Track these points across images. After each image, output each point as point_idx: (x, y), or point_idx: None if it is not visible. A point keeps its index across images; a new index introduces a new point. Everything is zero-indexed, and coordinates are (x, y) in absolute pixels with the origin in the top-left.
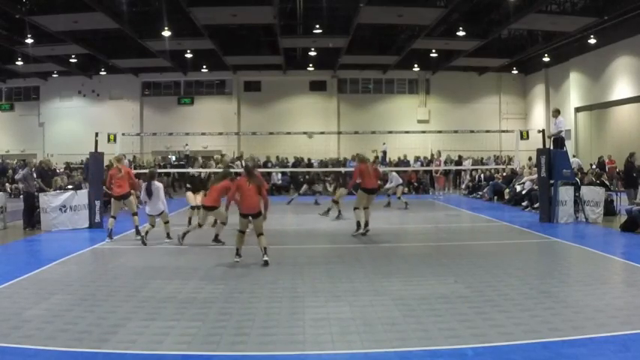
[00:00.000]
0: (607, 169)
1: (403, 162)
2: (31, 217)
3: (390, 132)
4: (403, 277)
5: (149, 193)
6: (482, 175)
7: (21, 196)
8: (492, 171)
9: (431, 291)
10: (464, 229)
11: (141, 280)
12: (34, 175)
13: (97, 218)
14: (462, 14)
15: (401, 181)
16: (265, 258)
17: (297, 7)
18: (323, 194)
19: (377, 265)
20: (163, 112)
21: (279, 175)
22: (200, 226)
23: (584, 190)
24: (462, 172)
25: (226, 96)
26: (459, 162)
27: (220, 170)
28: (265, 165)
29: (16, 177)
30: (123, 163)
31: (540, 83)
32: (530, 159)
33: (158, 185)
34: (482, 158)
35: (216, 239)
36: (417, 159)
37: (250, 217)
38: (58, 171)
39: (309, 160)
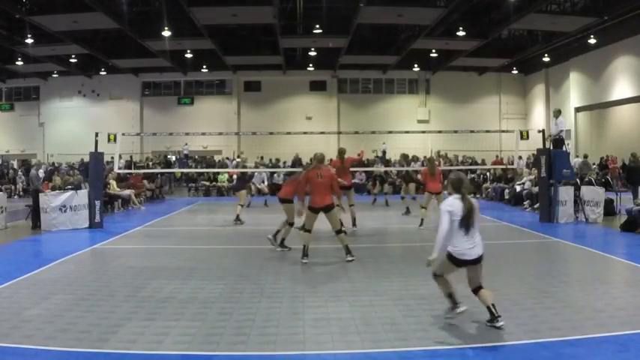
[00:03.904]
0: (608, 169)
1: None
2: (38, 216)
3: (390, 132)
4: (403, 277)
5: None
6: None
7: (18, 196)
8: (492, 171)
9: (431, 291)
10: None
11: (141, 280)
12: (40, 176)
13: (97, 218)
14: (462, 14)
15: None
16: (349, 258)
17: (297, 7)
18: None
19: (377, 265)
20: (163, 112)
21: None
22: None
23: (584, 190)
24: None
25: (226, 96)
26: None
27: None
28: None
29: (30, 174)
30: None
31: (540, 83)
32: (529, 158)
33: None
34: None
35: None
36: (416, 159)
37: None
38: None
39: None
